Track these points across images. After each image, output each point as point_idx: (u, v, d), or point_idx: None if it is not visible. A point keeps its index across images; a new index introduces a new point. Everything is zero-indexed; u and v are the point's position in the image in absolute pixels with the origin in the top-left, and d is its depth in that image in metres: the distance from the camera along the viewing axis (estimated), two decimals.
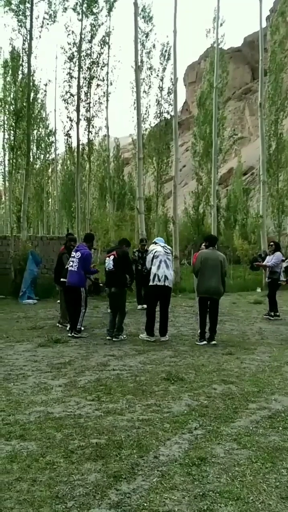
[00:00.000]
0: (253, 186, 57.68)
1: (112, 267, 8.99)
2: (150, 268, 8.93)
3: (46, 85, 37.50)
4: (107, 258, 9.20)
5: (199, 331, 8.94)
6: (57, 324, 10.47)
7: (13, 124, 21.09)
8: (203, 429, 4.35)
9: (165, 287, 8.81)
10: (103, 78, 26.14)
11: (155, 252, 8.98)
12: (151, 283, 8.88)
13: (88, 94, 25.30)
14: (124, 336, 9.07)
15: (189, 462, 3.62)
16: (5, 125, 31.10)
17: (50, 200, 47.19)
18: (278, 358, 7.49)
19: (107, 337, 8.97)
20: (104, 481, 3.31)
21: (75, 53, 23.84)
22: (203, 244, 10.02)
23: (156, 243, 9.44)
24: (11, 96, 23.88)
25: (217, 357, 7.53)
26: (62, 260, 10.38)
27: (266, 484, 3.30)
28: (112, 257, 9.06)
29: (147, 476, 3.39)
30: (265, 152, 23.87)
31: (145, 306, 11.24)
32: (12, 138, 22.01)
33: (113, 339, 8.86)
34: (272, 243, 13.18)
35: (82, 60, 24.18)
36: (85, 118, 25.63)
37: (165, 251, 9.01)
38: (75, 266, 9.28)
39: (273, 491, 3.20)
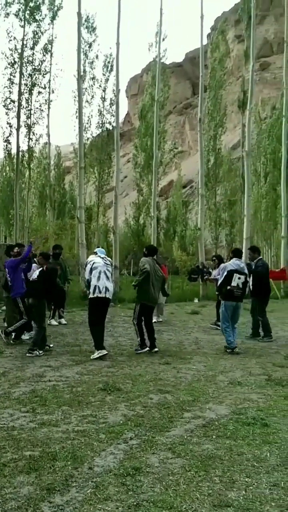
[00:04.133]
0: (192, 199, 58.96)
1: (36, 277, 8.82)
2: (90, 279, 8.60)
3: None
4: (37, 270, 9.10)
5: (139, 339, 8.99)
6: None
7: None
8: (139, 439, 4.36)
9: (106, 298, 8.50)
10: (44, 85, 26.05)
11: (93, 263, 8.64)
12: (91, 296, 8.50)
13: (29, 100, 25.08)
14: (40, 352, 8.43)
15: (124, 472, 3.61)
16: None
17: None
18: (213, 367, 7.64)
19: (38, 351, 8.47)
20: (37, 494, 3.25)
21: (17, 59, 23.60)
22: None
23: (96, 253, 9.29)
24: None
25: (154, 366, 7.59)
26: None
27: (199, 492, 3.35)
28: (41, 268, 8.96)
29: (81, 488, 3.36)
30: (203, 166, 24.45)
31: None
32: None
33: (27, 354, 8.29)
34: (214, 258, 13.47)
35: (24, 66, 23.95)
36: (26, 125, 25.37)
37: (104, 262, 8.70)
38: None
39: (206, 499, 3.25)
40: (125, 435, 4.45)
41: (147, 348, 8.79)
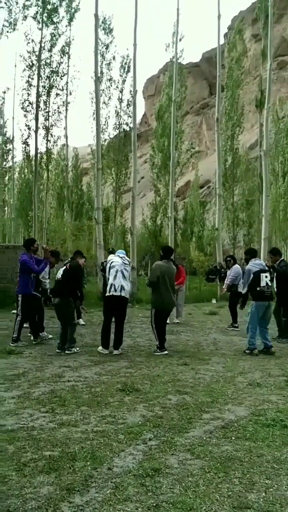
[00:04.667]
0: (209, 199, 58.74)
1: (60, 276, 8.93)
2: (108, 278, 8.87)
3: (4, 92, 37.24)
4: (61, 269, 9.18)
5: (158, 342, 8.95)
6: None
7: None
8: (157, 439, 4.36)
9: (121, 297, 8.67)
10: (62, 87, 26.21)
11: (111, 262, 8.93)
12: (107, 294, 8.76)
13: (47, 103, 25.26)
14: (77, 348, 8.89)
15: (143, 473, 3.61)
16: None
17: (6, 208, 46.52)
18: (232, 368, 7.60)
19: (57, 350, 8.72)
20: (57, 494, 3.26)
21: (35, 62, 23.82)
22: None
23: (113, 253, 9.49)
24: None
25: (172, 367, 7.57)
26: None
27: (218, 494, 3.33)
28: (64, 267, 9.05)
29: (100, 488, 3.37)
30: (221, 166, 24.36)
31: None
32: None
33: (66, 351, 8.66)
34: (229, 259, 13.41)
35: (42, 68, 24.14)
36: (44, 127, 25.56)
37: (122, 262, 8.91)
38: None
39: (226, 501, 3.24)
40: (144, 436, 4.45)
41: (166, 352, 8.74)
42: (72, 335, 8.90)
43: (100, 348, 8.82)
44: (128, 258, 9.29)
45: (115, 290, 8.60)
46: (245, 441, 4.35)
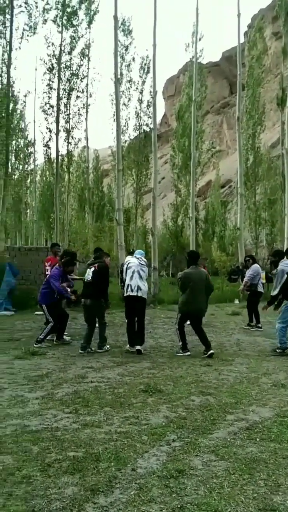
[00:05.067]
0: (231, 199, 58.36)
1: (90, 278, 9.03)
2: (125, 279, 9.09)
3: (25, 96, 37.47)
4: (88, 270, 9.23)
5: (181, 343, 8.90)
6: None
7: None
8: (181, 441, 4.34)
9: (138, 297, 8.89)
10: (82, 90, 26.35)
11: (128, 263, 9.15)
12: (125, 294, 9.06)
13: (68, 105, 25.43)
14: (108, 346, 9.11)
15: (167, 475, 3.60)
16: None
17: (28, 210, 47.01)
18: (256, 369, 7.53)
19: (80, 351, 8.75)
20: (82, 495, 3.27)
21: (55, 65, 23.99)
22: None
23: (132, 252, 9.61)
24: None
25: (195, 368, 7.54)
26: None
27: (243, 495, 3.30)
28: (93, 269, 9.12)
29: (124, 489, 3.37)
30: (242, 165, 24.15)
31: None
32: None
33: (98, 350, 8.90)
34: (248, 258, 13.33)
35: (62, 71, 24.31)
36: (65, 129, 25.75)
37: (139, 262, 9.08)
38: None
39: (251, 503, 3.20)
40: (168, 437, 4.43)
41: (189, 353, 8.72)
42: (103, 334, 9.14)
43: (127, 346, 9.08)
44: (145, 259, 9.40)
45: (132, 290, 8.87)
46: (270, 443, 4.30)
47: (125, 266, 9.23)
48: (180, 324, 8.98)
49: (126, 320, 9.40)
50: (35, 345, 9.18)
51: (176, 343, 9.33)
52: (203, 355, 8.54)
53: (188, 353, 8.72)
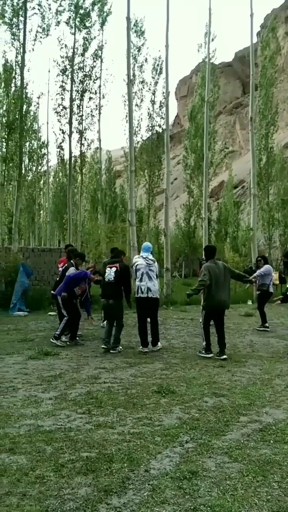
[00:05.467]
0: (243, 199, 58.06)
1: (112, 279, 9.08)
2: (135, 279, 9.19)
3: (38, 97, 37.83)
4: (108, 269, 9.24)
5: (205, 343, 8.81)
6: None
7: (6, 136, 21.15)
8: (194, 442, 4.33)
9: (148, 298, 8.97)
10: (95, 91, 26.35)
11: (136, 265, 9.18)
12: (136, 296, 9.12)
13: (81, 107, 25.46)
14: (121, 348, 9.12)
15: (180, 476, 3.59)
16: None
17: (41, 211, 47.20)
18: (269, 370, 7.49)
19: (102, 346, 9.01)
20: (95, 495, 3.28)
21: (68, 66, 24.04)
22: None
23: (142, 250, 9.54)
24: (4, 108, 24.01)
25: (208, 369, 7.52)
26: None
27: (257, 497, 3.29)
28: (114, 269, 9.15)
29: (138, 490, 3.37)
30: (255, 165, 24.01)
31: None
32: (4, 150, 22.03)
33: (110, 351, 8.90)
34: (260, 259, 13.27)
35: (75, 73, 24.37)
36: (78, 131, 25.77)
37: (146, 263, 9.10)
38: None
39: (265, 505, 3.19)
40: (181, 438, 4.43)
41: (212, 355, 8.60)
42: (119, 335, 9.18)
43: (140, 347, 9.05)
44: (152, 256, 9.37)
45: (142, 292, 8.96)
46: (284, 445, 4.27)
47: (134, 267, 9.26)
48: (206, 323, 8.88)
49: (138, 321, 9.39)
50: (51, 340, 9.44)
51: (188, 343, 9.30)
52: (216, 356, 8.51)
53: (211, 354, 8.57)
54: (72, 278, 9.79)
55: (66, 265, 10.49)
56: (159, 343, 9.28)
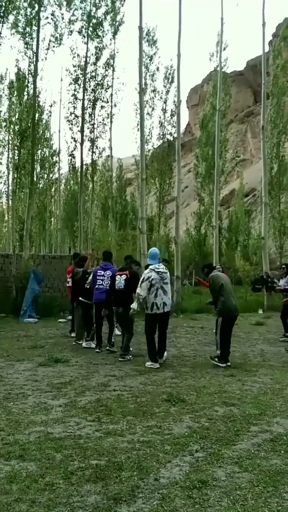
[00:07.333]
0: (254, 208, 57.90)
1: (123, 287, 9.04)
2: (147, 295, 8.50)
3: (51, 106, 38.01)
4: (118, 277, 9.22)
5: (219, 352, 8.71)
6: (73, 342, 10.79)
7: (18, 144, 21.35)
8: (204, 451, 4.30)
9: (164, 313, 8.57)
10: (107, 99, 26.51)
11: (151, 279, 8.50)
12: (149, 311, 8.56)
13: (92, 115, 25.63)
14: (130, 356, 9.03)
15: (190, 485, 3.57)
16: (10, 145, 31.51)
17: (52, 219, 47.43)
18: (280, 380, 7.43)
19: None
20: (104, 504, 3.27)
21: (80, 75, 24.24)
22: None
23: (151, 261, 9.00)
24: (16, 116, 24.27)
25: (218, 378, 7.48)
26: (83, 277, 10.58)
27: (267, 508, 3.26)
28: (124, 276, 9.11)
29: (147, 499, 3.35)
30: (267, 174, 23.98)
31: None
32: (16, 157, 22.24)
33: (119, 359, 8.83)
34: (284, 266, 13.17)
35: (87, 82, 24.56)
36: (89, 139, 25.95)
37: (160, 277, 8.55)
38: (106, 284, 9.71)
39: None
40: (191, 447, 4.41)
41: (225, 364, 8.45)
42: (128, 344, 9.13)
43: (149, 363, 8.43)
44: (163, 267, 8.86)
45: (158, 308, 8.46)
46: None
47: (147, 283, 8.47)
48: (223, 331, 8.70)
49: (146, 334, 8.72)
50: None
51: (199, 352, 9.25)
52: (210, 358, 8.64)
53: (224, 364, 8.44)
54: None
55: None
56: (165, 353, 8.93)
